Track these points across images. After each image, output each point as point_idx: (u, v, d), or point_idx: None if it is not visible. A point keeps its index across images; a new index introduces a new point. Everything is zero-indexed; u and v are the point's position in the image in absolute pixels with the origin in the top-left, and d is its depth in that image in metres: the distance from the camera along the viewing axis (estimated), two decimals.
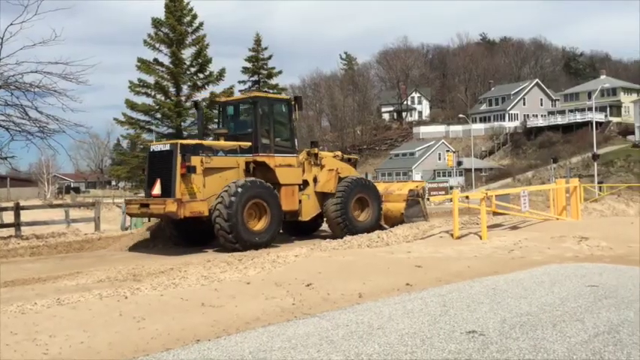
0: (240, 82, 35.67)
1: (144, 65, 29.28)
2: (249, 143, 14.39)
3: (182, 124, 29.72)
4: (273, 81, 35.88)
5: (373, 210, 15.99)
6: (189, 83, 30.53)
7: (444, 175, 74.16)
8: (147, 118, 29.89)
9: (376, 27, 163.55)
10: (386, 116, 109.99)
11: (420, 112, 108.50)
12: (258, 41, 35.56)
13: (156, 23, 29.66)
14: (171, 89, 30.08)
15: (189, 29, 30.21)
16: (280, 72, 35.93)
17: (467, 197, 14.24)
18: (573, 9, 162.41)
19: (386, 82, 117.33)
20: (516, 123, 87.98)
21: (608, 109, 79.28)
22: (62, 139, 37.19)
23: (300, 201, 15.10)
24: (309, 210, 15.38)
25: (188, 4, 30.03)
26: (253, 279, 8.49)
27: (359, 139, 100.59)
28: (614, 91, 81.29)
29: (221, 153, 13.95)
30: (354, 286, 7.87)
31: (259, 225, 13.72)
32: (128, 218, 20.39)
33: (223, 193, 13.19)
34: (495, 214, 15.34)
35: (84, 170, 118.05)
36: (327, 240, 13.18)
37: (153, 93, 29.61)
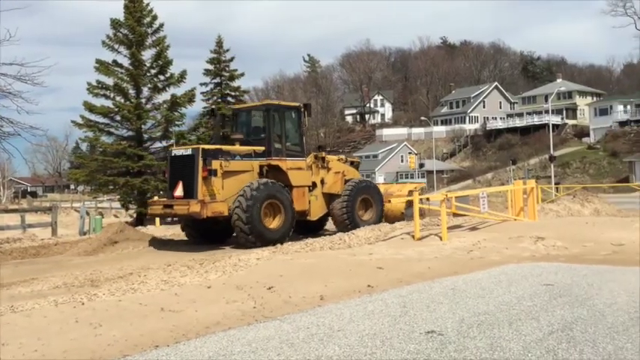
0: (201, 84, 35.20)
1: (102, 67, 28.56)
2: (263, 148, 15.21)
3: (142, 126, 29.13)
4: (236, 83, 35.56)
5: (376, 209, 16.92)
6: (149, 85, 29.89)
7: (406, 177, 74.89)
8: (106, 121, 29.21)
9: (339, 30, 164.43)
10: (349, 119, 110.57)
11: (383, 115, 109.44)
12: (219, 43, 35.17)
13: (115, 24, 28.98)
14: (131, 91, 29.44)
15: (149, 30, 29.59)
16: (242, 74, 35.69)
17: (427, 199, 14.42)
18: (530, 14, 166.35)
19: (349, 84, 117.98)
20: (476, 125, 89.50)
21: (564, 111, 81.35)
22: (17, 142, 36.03)
23: (309, 201, 15.95)
24: (317, 210, 16.28)
25: (148, 4, 29.52)
26: (214, 283, 8.43)
27: (322, 141, 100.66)
28: (569, 95, 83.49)
29: (238, 157, 14.83)
30: (315, 289, 7.88)
31: (274, 223, 14.53)
32: (87, 222, 20.02)
33: (240, 197, 13.94)
34: (455, 215, 15.57)
35: (41, 174, 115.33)
36: (289, 243, 13.25)
37: (112, 95, 28.96)
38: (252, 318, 6.40)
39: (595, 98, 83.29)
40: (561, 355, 4.77)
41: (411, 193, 17.15)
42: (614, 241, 11.51)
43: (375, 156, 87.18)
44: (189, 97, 30.29)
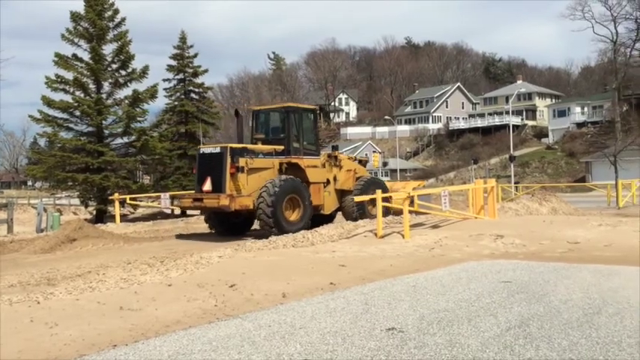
0: (164, 79, 34.58)
1: (62, 60, 27.84)
2: (282, 147, 16.44)
3: (103, 122, 28.50)
4: (199, 79, 35.09)
5: None
6: (110, 80, 29.28)
7: None
8: (65, 116, 28.49)
9: (304, 28, 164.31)
10: None
11: (348, 114, 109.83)
12: (183, 39, 34.55)
13: (75, 17, 28.31)
14: (92, 86, 28.79)
15: (111, 24, 29.00)
16: (206, 71, 35.09)
17: (390, 197, 14.54)
18: (492, 16, 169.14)
19: (314, 82, 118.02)
20: (439, 125, 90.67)
21: (524, 112, 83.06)
22: None
23: (323, 197, 17.22)
24: (330, 205, 17.56)
25: None
26: (175, 281, 8.32)
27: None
28: (529, 96, 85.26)
29: (261, 155, 16.11)
30: (278, 287, 7.86)
31: (294, 216, 15.69)
32: (44, 219, 19.54)
33: (265, 191, 15.08)
34: (418, 213, 15.75)
35: None
36: (252, 240, 13.19)
37: (71, 90, 28.27)
38: (214, 316, 6.34)
39: (554, 100, 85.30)
40: (518, 350, 4.87)
41: (414, 190, 17.92)
42: (570, 239, 11.80)
43: None
44: (152, 92, 29.82)
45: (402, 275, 8.57)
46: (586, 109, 74.47)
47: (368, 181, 17.94)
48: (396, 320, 5.87)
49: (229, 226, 16.45)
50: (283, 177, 15.63)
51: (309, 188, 16.36)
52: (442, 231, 13.46)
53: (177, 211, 28.62)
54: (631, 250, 10.63)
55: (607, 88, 77.68)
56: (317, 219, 17.17)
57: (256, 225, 16.42)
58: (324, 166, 17.49)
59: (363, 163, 19.55)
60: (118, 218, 22.20)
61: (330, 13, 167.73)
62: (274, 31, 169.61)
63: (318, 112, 17.81)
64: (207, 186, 15.52)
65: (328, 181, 17.54)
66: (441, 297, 6.93)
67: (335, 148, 19.16)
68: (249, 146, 16.34)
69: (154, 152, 28.87)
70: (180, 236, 16.89)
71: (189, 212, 26.98)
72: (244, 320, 6.05)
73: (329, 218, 18.10)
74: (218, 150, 15.81)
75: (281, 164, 16.29)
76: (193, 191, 26.72)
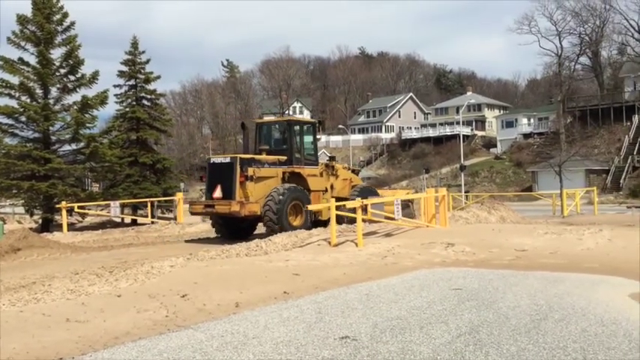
0: (115, 85, 33.82)
1: (7, 64, 26.86)
2: (285, 157, 17.67)
3: (50, 128, 27.64)
4: (151, 86, 34.43)
5: None
6: (58, 85, 28.42)
7: None
8: (10, 121, 27.52)
9: (259, 36, 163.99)
10: None
11: None
12: (135, 44, 33.81)
13: (21, 20, 27.45)
14: (38, 91, 27.91)
15: (59, 28, 28.23)
16: (159, 77, 34.41)
17: (344, 205, 14.62)
18: (444, 29, 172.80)
19: (268, 91, 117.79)
20: (392, 134, 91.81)
21: (474, 123, 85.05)
22: None
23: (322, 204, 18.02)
24: (327, 211, 17.85)
25: (58, 1, 28.18)
26: (125, 291, 8.14)
27: (240, 147, 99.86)
28: (479, 107, 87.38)
29: (266, 165, 17.26)
30: (231, 296, 7.78)
31: (297, 221, 16.81)
32: None
33: (273, 194, 16.25)
34: (371, 221, 15.87)
35: None
36: (205, 249, 13.02)
37: (17, 94, 27.36)
38: (165, 327, 6.23)
39: (502, 111, 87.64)
40: (468, 357, 4.95)
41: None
42: (518, 247, 12.11)
43: None
44: (102, 98, 29.09)
45: (355, 283, 8.62)
46: (532, 120, 76.77)
47: (363, 189, 19.09)
48: (350, 329, 5.90)
49: (234, 230, 17.25)
50: (287, 185, 16.81)
51: (309, 195, 17.48)
52: (395, 239, 13.60)
53: (128, 220, 28.09)
54: (575, 257, 10.99)
55: (552, 100, 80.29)
56: (315, 224, 17.96)
57: (260, 229, 17.57)
58: (322, 175, 18.69)
59: (356, 172, 20.95)
60: (65, 227, 21.58)
61: (284, 21, 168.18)
62: (228, 38, 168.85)
63: (317, 125, 19.05)
64: (218, 193, 16.58)
65: (326, 189, 18.72)
66: (393, 305, 7.00)
67: (332, 158, 20.29)
68: (256, 156, 17.42)
69: (104, 159, 28.18)
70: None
71: (139, 221, 26.50)
72: (196, 331, 5.96)
73: (324, 224, 18.63)
74: (228, 160, 17.01)
75: (284, 173, 17.44)
76: (143, 199, 26.71)
